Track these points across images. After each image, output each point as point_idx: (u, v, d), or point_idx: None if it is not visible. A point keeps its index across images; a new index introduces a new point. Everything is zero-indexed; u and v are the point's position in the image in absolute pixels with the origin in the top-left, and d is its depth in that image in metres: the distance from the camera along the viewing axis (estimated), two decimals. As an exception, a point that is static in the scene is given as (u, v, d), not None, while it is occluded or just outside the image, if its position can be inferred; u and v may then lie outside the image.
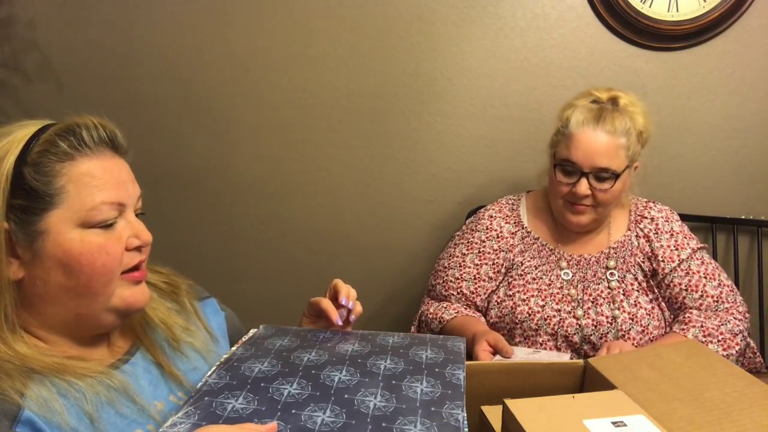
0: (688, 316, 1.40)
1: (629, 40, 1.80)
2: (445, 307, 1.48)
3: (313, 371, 0.78)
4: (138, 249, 0.81)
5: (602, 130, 1.35)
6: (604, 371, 0.94)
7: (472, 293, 1.48)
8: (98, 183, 0.77)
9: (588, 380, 0.99)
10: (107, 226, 0.77)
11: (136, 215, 0.83)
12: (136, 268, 0.81)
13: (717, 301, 1.42)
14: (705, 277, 1.43)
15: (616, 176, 1.37)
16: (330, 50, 1.85)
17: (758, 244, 1.86)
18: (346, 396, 0.72)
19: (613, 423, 0.74)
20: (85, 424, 0.72)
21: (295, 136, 1.91)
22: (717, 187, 1.89)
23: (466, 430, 0.69)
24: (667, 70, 1.83)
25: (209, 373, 0.79)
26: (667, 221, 1.48)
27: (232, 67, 1.86)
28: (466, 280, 1.48)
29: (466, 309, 1.48)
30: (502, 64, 1.84)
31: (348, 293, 0.97)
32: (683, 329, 1.38)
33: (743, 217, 1.86)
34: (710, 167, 1.88)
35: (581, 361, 1.01)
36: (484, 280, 1.48)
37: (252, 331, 0.93)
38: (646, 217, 1.49)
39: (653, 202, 1.53)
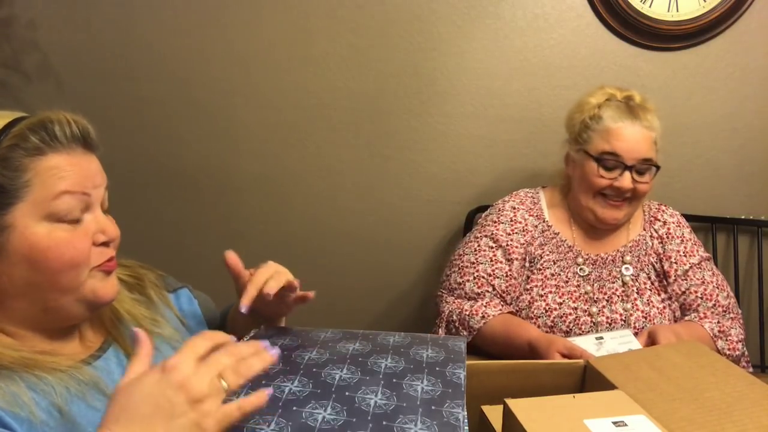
0: (704, 313, 1.42)
1: (629, 40, 1.81)
2: (485, 305, 1.40)
3: (314, 369, 0.78)
4: (105, 244, 0.81)
5: (639, 124, 1.38)
6: (604, 371, 0.94)
7: (504, 291, 1.43)
8: (63, 175, 0.76)
9: (588, 380, 0.99)
10: (73, 221, 0.77)
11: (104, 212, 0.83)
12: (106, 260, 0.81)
13: (725, 311, 1.44)
14: (717, 288, 1.46)
15: (656, 168, 1.40)
16: (330, 50, 1.85)
17: (758, 244, 1.86)
18: (346, 394, 0.72)
19: (614, 423, 0.74)
20: (55, 418, 0.71)
21: (296, 135, 1.91)
22: (717, 187, 1.89)
23: (467, 429, 0.68)
24: (667, 70, 1.83)
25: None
26: (679, 226, 1.51)
27: (233, 67, 1.86)
28: (498, 277, 1.43)
29: (504, 306, 1.41)
30: (502, 64, 1.84)
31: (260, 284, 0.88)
32: (699, 321, 1.40)
33: (743, 217, 1.86)
34: (710, 167, 1.88)
35: (581, 360, 1.01)
36: (514, 278, 1.44)
37: (253, 331, 0.93)
38: (659, 220, 1.51)
39: (664, 206, 1.56)
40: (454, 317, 1.43)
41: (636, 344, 1.27)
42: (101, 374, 0.80)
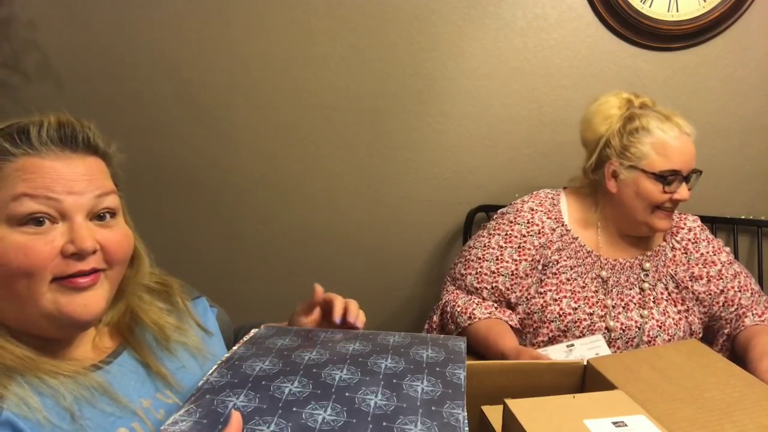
0: (748, 306, 1.46)
1: (629, 40, 1.81)
2: (477, 303, 1.42)
3: (314, 370, 0.78)
4: (77, 256, 0.74)
5: (684, 132, 1.37)
6: (604, 371, 0.94)
7: (508, 290, 1.42)
8: (26, 177, 0.72)
9: (588, 380, 0.99)
10: (37, 225, 0.72)
11: (101, 220, 0.78)
12: (75, 275, 0.74)
13: (760, 295, 1.50)
14: (747, 277, 1.50)
15: (699, 173, 1.41)
16: (330, 50, 1.85)
17: (758, 244, 1.86)
18: (347, 394, 0.72)
19: (614, 423, 0.74)
20: (67, 421, 0.71)
21: (296, 135, 1.91)
22: (717, 187, 1.89)
23: (467, 429, 0.68)
24: (667, 70, 1.83)
25: (210, 371, 0.78)
26: (703, 230, 1.53)
27: (233, 67, 1.86)
28: (502, 275, 1.43)
29: (497, 309, 1.42)
30: (502, 64, 1.84)
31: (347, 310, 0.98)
32: (761, 320, 1.43)
33: (743, 217, 1.86)
34: (710, 167, 1.88)
35: (582, 360, 1.01)
36: (521, 277, 1.43)
37: (253, 331, 0.93)
38: (683, 228, 1.51)
39: (685, 213, 1.56)
40: (448, 308, 1.46)
41: (605, 349, 1.28)
42: (112, 379, 0.79)
